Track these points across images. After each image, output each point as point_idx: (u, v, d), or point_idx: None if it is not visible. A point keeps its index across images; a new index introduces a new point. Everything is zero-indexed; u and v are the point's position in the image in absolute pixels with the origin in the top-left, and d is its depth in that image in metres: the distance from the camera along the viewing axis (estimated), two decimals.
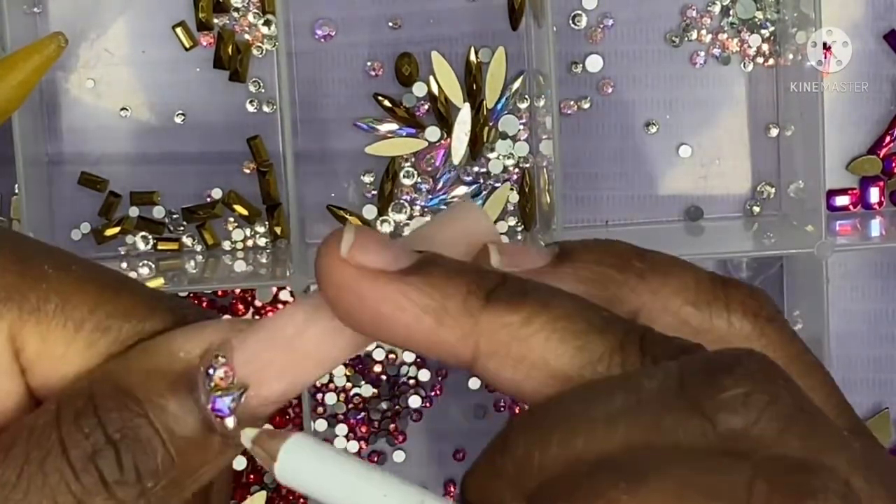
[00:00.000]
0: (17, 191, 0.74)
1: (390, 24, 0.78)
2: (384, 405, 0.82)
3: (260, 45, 0.78)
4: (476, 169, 0.80)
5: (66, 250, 0.30)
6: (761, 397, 0.24)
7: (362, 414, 0.82)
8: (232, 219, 0.79)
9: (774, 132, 0.80)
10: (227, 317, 0.30)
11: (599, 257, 0.29)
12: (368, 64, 0.79)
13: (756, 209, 0.81)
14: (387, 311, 0.27)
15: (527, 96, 0.79)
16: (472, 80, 0.79)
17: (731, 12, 0.79)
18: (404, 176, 0.79)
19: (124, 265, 0.77)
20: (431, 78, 0.79)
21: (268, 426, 0.28)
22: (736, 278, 0.30)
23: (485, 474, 0.26)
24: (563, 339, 0.26)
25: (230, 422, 0.28)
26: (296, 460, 0.27)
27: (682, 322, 0.29)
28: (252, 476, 0.81)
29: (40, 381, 0.29)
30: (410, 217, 0.80)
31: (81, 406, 0.27)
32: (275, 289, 0.80)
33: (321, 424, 0.81)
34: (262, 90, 0.78)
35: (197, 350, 0.28)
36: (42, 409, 0.28)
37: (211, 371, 0.28)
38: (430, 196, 0.80)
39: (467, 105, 0.79)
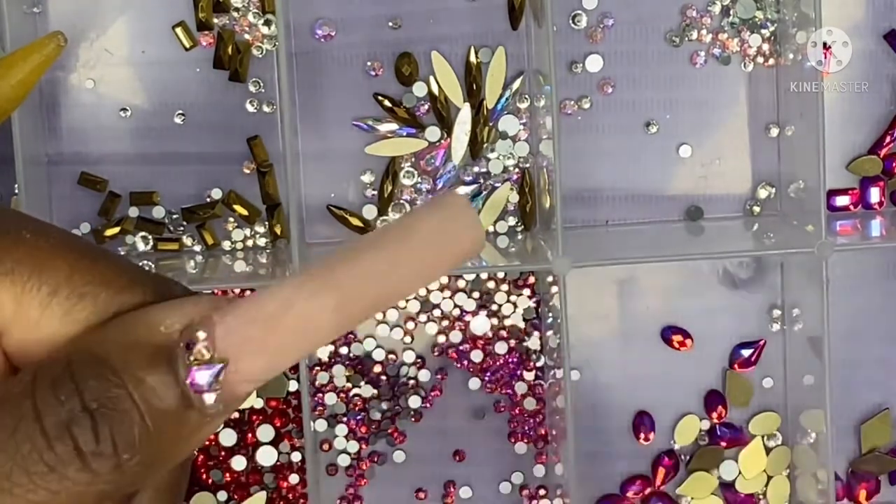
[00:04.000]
0: (17, 191, 0.74)
1: (390, 24, 0.78)
2: (384, 405, 0.82)
3: (260, 45, 0.78)
4: (476, 169, 0.80)
5: (49, 222, 0.30)
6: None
7: (362, 414, 0.82)
8: (232, 219, 0.79)
9: (774, 132, 0.80)
10: (208, 294, 0.30)
11: None
12: (368, 64, 0.79)
13: (756, 209, 0.81)
14: None
15: (527, 96, 0.79)
16: (472, 80, 0.79)
17: (731, 12, 0.79)
18: (404, 176, 0.79)
19: None
20: (431, 78, 0.78)
21: None
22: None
23: None
24: None
25: (209, 397, 0.28)
26: None
27: None
28: (252, 476, 0.81)
29: (16, 345, 0.29)
30: None
31: (58, 373, 0.27)
32: None
33: (321, 424, 0.81)
34: (262, 90, 0.78)
35: (177, 325, 0.28)
36: (17, 378, 0.27)
37: (191, 345, 0.27)
38: (430, 196, 0.80)
39: (467, 105, 0.79)
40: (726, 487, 0.84)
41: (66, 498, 0.26)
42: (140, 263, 0.77)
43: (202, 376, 0.27)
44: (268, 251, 0.80)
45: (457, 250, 0.29)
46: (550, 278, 0.78)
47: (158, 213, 0.79)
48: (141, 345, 0.28)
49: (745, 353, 0.82)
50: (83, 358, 0.27)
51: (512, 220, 0.80)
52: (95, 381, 0.27)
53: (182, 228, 0.79)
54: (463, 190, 0.79)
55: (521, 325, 0.81)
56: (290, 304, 0.28)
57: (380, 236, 0.29)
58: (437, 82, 0.78)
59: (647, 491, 0.84)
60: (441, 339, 0.81)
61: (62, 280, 0.28)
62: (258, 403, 0.81)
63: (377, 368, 0.81)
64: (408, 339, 0.81)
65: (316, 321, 0.28)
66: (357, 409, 0.82)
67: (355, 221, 0.79)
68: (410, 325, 0.81)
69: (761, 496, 0.84)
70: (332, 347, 0.81)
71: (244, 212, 0.79)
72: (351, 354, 0.81)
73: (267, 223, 0.79)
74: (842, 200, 0.81)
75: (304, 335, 0.28)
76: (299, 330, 0.28)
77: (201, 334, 0.28)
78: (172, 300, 0.29)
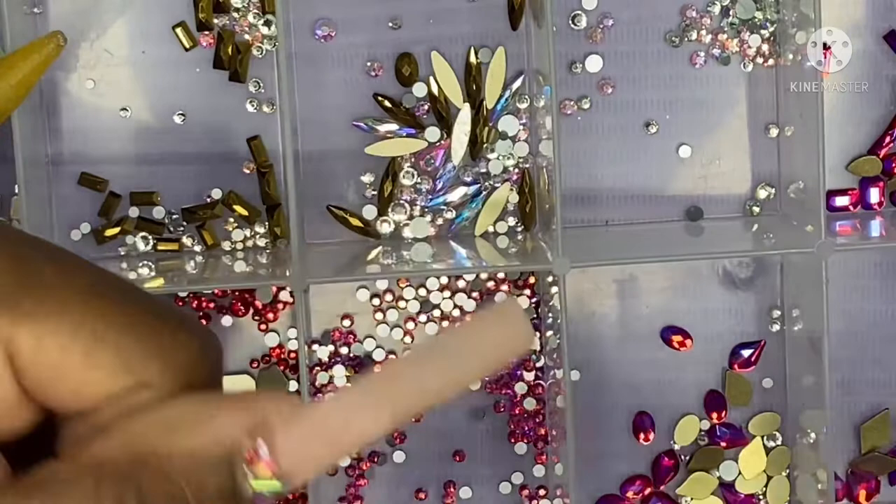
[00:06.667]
0: (17, 191, 0.74)
1: (390, 24, 0.78)
2: None
3: (260, 45, 0.78)
4: (476, 169, 0.80)
5: (69, 251, 0.30)
6: None
7: None
8: (232, 219, 0.79)
9: (774, 132, 0.80)
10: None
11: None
12: (368, 64, 0.79)
13: (756, 209, 0.81)
14: None
15: (527, 96, 0.79)
16: (471, 80, 0.79)
17: (731, 12, 0.79)
18: (404, 176, 0.79)
19: (124, 265, 0.77)
20: (431, 78, 0.78)
21: None
22: None
23: None
24: None
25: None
26: None
27: None
28: None
29: (36, 384, 0.29)
30: (410, 217, 0.80)
31: (124, 489, 0.28)
32: (274, 289, 0.80)
33: None
34: (262, 90, 0.78)
35: (237, 432, 0.29)
36: (75, 469, 0.28)
37: (254, 458, 0.29)
38: (430, 196, 0.80)
39: (467, 105, 0.79)
40: (726, 488, 0.84)
41: None
42: (140, 264, 0.77)
43: (263, 492, 0.29)
44: (268, 251, 0.80)
45: (506, 356, 0.31)
46: (550, 278, 0.78)
47: (158, 213, 0.79)
48: (206, 457, 0.28)
49: (745, 353, 0.82)
50: (151, 475, 0.28)
51: (512, 221, 0.80)
52: (160, 495, 0.28)
53: (182, 228, 0.79)
54: (463, 190, 0.79)
55: None
56: (353, 418, 0.29)
57: (440, 352, 0.30)
58: (437, 83, 0.79)
59: (647, 491, 0.84)
60: None
61: (84, 322, 0.29)
62: None
63: (377, 369, 0.81)
64: (408, 339, 0.81)
65: (371, 434, 0.30)
66: None
67: (355, 221, 0.80)
68: (410, 325, 0.81)
69: (761, 496, 0.84)
70: (332, 347, 0.81)
71: (244, 212, 0.79)
72: (351, 354, 0.81)
73: (267, 223, 0.79)
74: (841, 200, 0.81)
75: (357, 445, 0.30)
76: (355, 444, 0.30)
77: (264, 451, 0.29)
78: (231, 398, 0.30)
